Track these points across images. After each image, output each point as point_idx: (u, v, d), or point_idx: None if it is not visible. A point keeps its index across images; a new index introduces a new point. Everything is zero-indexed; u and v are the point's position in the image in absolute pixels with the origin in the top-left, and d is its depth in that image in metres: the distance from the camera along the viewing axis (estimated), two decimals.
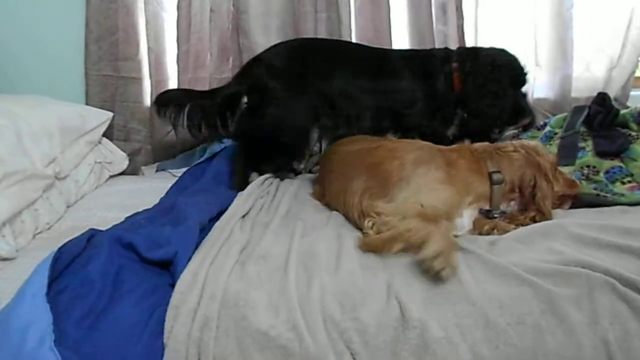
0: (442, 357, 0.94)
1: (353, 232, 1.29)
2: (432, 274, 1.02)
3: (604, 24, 1.95)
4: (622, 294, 0.98)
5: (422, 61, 1.69)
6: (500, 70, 1.61)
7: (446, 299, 1.01)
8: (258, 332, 0.95)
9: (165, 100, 1.65)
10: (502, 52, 1.67)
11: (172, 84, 2.01)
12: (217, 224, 1.25)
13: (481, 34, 1.94)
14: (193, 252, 1.09)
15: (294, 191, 1.59)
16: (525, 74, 1.65)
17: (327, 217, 1.40)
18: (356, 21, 1.92)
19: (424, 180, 1.27)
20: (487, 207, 1.31)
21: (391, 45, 1.91)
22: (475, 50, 1.70)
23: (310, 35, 1.90)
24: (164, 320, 0.95)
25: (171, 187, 1.60)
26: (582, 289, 0.99)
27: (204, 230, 1.20)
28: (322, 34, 1.91)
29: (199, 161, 1.76)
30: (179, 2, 1.90)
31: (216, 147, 1.79)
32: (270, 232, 1.25)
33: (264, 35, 1.93)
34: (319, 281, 1.05)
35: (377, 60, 1.70)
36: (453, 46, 1.82)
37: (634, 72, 1.94)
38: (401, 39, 1.97)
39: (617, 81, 1.93)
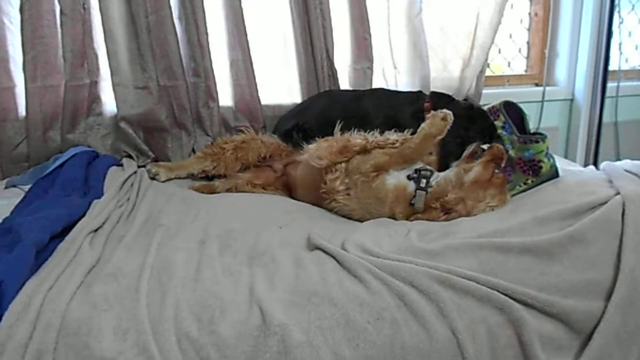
0: None
1: (221, 228, 1.25)
2: None
3: (458, 27, 2.09)
4: (464, 287, 1.03)
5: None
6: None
7: (308, 300, 1.00)
8: None
9: None
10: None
11: (20, 92, 1.81)
12: (62, 243, 1.13)
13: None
14: (28, 278, 0.97)
15: (158, 188, 1.50)
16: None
17: (195, 215, 1.34)
18: None
19: None
20: None
21: None
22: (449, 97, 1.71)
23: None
24: None
25: (16, 206, 1.43)
26: (424, 286, 1.03)
27: (46, 250, 1.08)
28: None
29: (46, 172, 1.59)
30: (22, 5, 1.72)
31: (65, 154, 1.65)
32: (123, 247, 1.16)
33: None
34: (174, 297, 0.99)
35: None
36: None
37: (483, 71, 2.10)
38: None
39: (470, 80, 2.08)
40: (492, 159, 1.35)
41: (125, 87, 1.82)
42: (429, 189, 1.34)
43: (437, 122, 1.35)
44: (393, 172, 1.38)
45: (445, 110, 1.36)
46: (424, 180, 1.35)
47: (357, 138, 1.42)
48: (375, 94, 1.82)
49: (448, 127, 1.36)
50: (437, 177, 1.37)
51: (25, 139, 1.80)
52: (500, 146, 1.38)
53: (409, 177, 1.37)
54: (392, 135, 1.41)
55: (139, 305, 0.95)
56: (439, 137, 1.36)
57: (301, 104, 1.93)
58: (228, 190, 1.63)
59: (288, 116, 1.89)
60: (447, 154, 1.48)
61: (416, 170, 1.38)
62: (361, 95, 1.82)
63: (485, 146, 1.41)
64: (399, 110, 1.50)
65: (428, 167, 1.40)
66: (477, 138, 1.48)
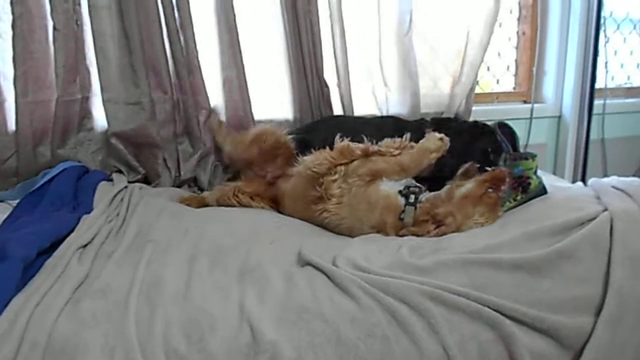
0: None
1: (211, 244, 1.25)
2: None
3: (448, 45, 2.12)
4: (455, 303, 1.03)
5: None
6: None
7: (299, 317, 1.00)
8: None
9: None
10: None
11: (10, 107, 1.80)
12: (50, 259, 1.12)
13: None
14: (14, 295, 0.96)
15: (148, 203, 1.51)
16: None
17: (185, 230, 1.33)
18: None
19: None
20: None
21: None
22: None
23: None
24: None
25: (4, 221, 1.41)
26: (415, 302, 1.03)
27: (34, 266, 1.07)
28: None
29: (34, 187, 1.58)
30: (14, 21, 1.72)
31: (55, 169, 1.63)
32: (112, 262, 1.15)
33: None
34: (163, 313, 0.98)
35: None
36: None
37: (473, 88, 2.13)
38: None
39: (460, 97, 2.10)
40: (490, 179, 1.36)
41: (116, 103, 1.81)
42: (418, 205, 1.36)
43: (434, 140, 1.43)
44: (387, 181, 1.41)
45: (442, 134, 1.46)
46: (413, 196, 1.37)
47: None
48: (382, 121, 1.90)
49: (445, 147, 1.43)
50: (427, 194, 1.39)
51: (14, 153, 1.78)
52: (504, 170, 1.40)
53: (400, 193, 1.39)
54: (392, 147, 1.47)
55: (128, 321, 0.94)
56: (436, 155, 1.42)
57: (306, 125, 1.95)
58: (217, 200, 1.63)
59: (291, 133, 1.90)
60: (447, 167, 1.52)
61: (406, 187, 1.40)
62: (368, 121, 1.88)
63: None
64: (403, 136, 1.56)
65: (417, 184, 1.42)
66: (481, 154, 1.55)
